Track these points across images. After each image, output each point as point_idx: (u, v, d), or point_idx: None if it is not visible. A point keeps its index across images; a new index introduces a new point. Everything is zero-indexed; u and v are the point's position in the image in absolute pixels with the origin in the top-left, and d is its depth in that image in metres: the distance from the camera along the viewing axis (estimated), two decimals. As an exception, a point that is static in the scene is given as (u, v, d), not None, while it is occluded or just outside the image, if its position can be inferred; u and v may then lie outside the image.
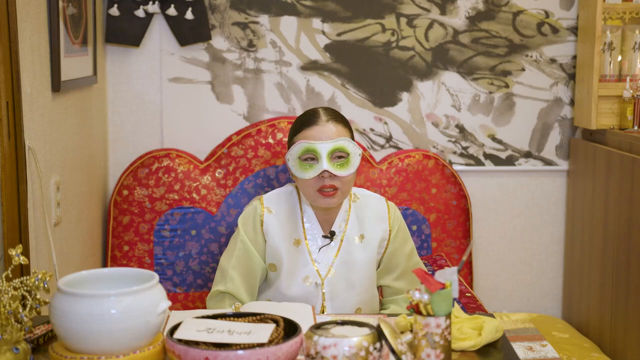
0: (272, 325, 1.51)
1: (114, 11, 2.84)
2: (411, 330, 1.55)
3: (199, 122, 2.99)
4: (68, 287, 1.47)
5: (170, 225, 2.82)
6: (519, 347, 1.74)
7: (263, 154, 2.86)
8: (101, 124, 2.88)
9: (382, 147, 3.04)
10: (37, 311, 1.52)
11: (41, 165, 2.13)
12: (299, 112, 2.95)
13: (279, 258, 2.18)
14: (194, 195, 2.84)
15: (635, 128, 2.79)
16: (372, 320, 1.80)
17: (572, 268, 3.06)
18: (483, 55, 3.02)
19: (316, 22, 2.97)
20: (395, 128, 3.03)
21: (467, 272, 2.98)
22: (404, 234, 2.28)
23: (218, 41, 2.95)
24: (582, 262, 2.96)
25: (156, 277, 1.52)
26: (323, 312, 2.17)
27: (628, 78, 2.84)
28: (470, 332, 1.66)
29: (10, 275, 1.51)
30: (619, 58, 2.90)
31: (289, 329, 1.52)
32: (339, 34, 2.98)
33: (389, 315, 1.93)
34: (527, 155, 3.09)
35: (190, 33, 2.91)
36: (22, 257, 1.50)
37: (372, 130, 3.03)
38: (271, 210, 2.21)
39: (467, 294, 2.67)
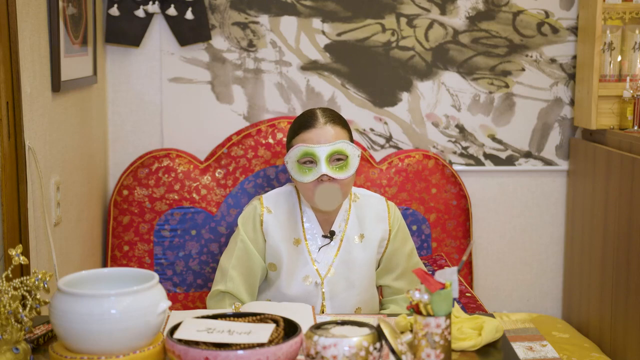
0: (272, 325, 1.51)
1: (114, 11, 2.84)
2: (411, 330, 1.55)
3: (199, 122, 2.99)
4: (68, 287, 1.47)
5: (170, 225, 2.82)
6: (519, 347, 1.74)
7: (263, 154, 2.86)
8: (101, 124, 2.87)
9: (382, 147, 3.04)
10: (37, 311, 1.52)
11: (41, 165, 2.13)
12: (299, 112, 2.94)
13: (278, 258, 2.18)
14: (194, 195, 2.84)
15: (635, 128, 2.79)
16: (372, 320, 1.80)
17: (572, 268, 3.06)
18: (483, 55, 3.02)
19: (316, 22, 2.97)
20: (395, 128, 3.03)
21: (467, 272, 2.98)
22: (403, 233, 2.27)
23: (218, 41, 2.95)
24: (582, 262, 2.96)
25: (156, 277, 1.52)
26: (323, 312, 2.17)
27: (628, 78, 2.83)
28: (470, 332, 1.66)
29: (10, 275, 1.51)
30: (619, 58, 2.90)
31: (289, 329, 1.52)
32: (339, 34, 2.98)
33: (389, 315, 1.93)
34: (527, 155, 3.09)
35: (190, 33, 2.91)
36: (22, 257, 1.50)
37: (372, 130, 3.03)
38: (271, 210, 2.21)
39: (467, 294, 2.67)
